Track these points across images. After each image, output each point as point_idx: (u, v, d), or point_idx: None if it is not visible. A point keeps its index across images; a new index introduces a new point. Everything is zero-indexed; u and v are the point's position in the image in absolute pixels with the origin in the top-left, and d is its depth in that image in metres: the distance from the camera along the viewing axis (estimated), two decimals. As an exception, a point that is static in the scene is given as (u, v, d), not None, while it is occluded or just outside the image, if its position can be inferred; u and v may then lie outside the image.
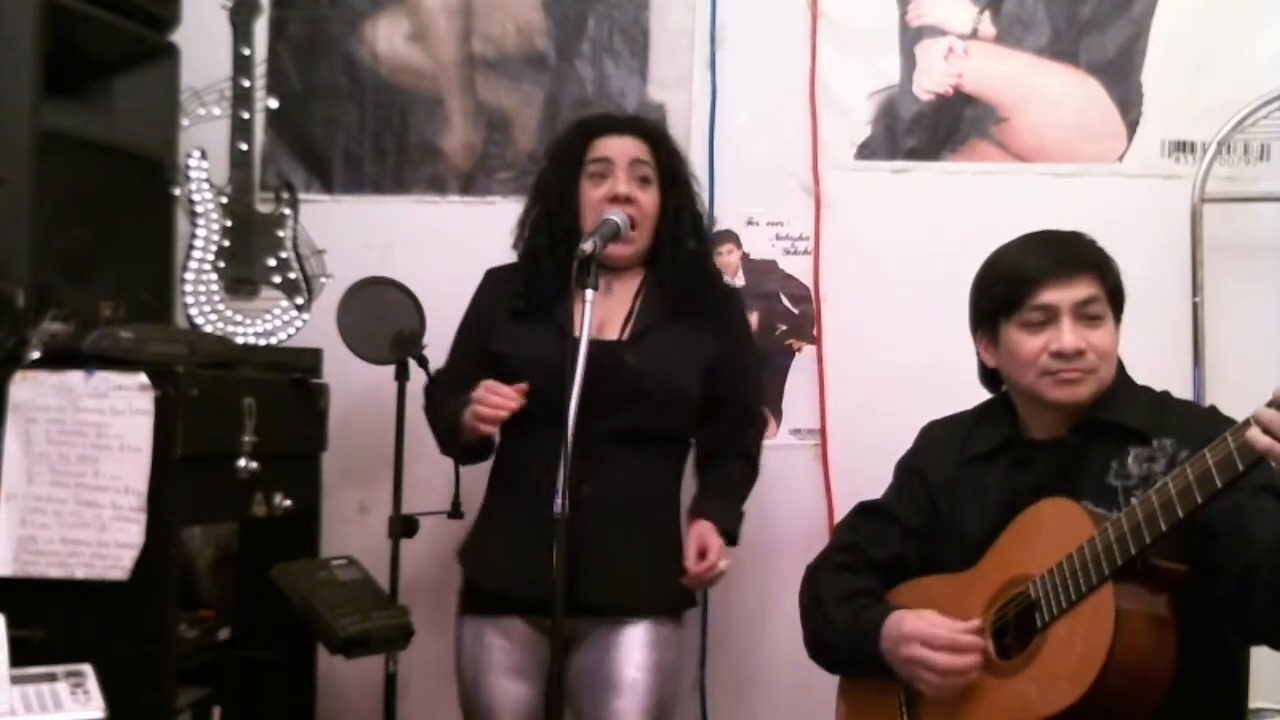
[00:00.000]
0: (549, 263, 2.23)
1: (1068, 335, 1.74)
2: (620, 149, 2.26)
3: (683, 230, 2.29)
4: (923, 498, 1.95)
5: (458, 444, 2.26)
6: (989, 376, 1.94)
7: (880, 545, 1.95)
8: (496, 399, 2.12)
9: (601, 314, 2.18)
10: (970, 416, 1.97)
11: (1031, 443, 1.85)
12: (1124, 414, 1.76)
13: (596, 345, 2.01)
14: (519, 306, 2.27)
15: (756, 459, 2.38)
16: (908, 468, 2.02)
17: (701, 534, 2.18)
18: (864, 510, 2.04)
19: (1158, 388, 1.86)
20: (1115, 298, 1.81)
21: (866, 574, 1.93)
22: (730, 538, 2.23)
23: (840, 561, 1.97)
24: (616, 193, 2.22)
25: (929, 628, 1.73)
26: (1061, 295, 1.76)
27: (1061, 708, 1.55)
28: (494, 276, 2.38)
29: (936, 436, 2.01)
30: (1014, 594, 1.70)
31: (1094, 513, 1.65)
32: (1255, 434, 1.42)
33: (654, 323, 2.23)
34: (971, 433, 1.93)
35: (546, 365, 2.08)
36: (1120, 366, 1.83)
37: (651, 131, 2.33)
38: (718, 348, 2.27)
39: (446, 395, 2.28)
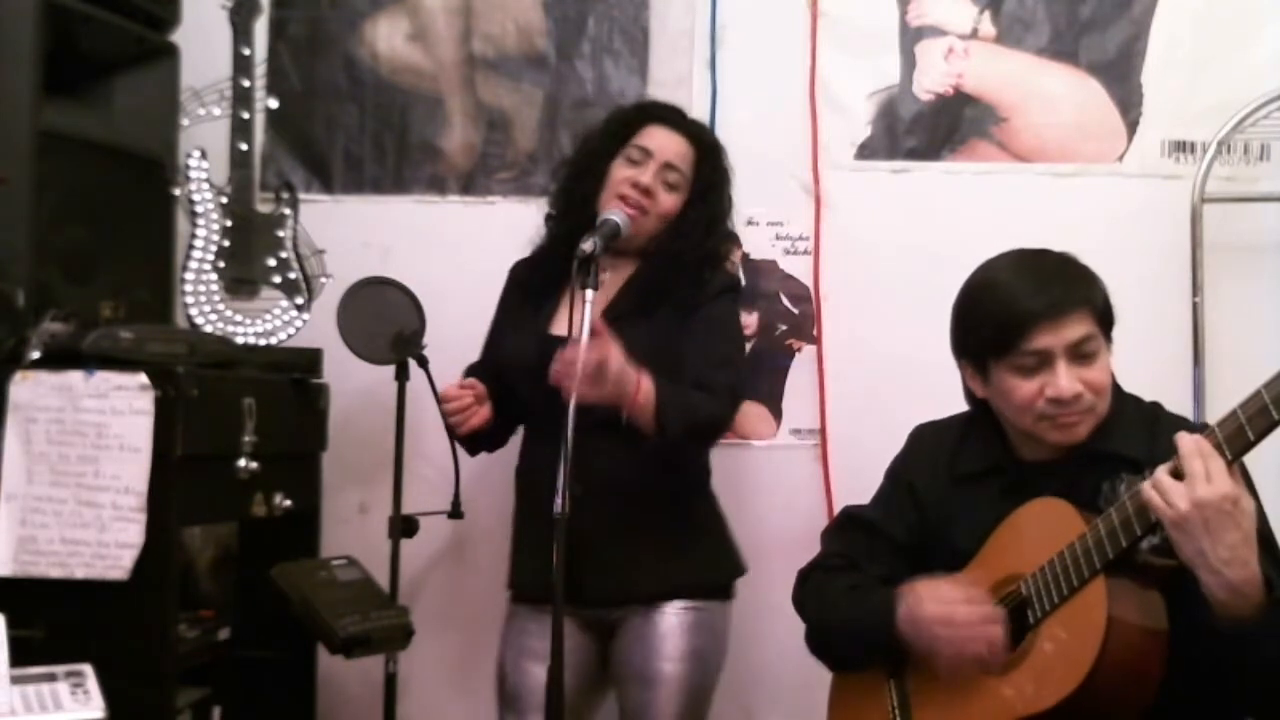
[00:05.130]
0: (562, 252, 2.14)
1: (1064, 380, 1.67)
2: (664, 143, 2.24)
3: (694, 231, 2.24)
4: (911, 512, 1.91)
5: (468, 440, 2.30)
6: (975, 397, 1.88)
7: (872, 562, 1.91)
8: (454, 404, 2.19)
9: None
10: (958, 428, 1.92)
11: (1023, 465, 1.80)
12: (1121, 445, 1.72)
13: (556, 341, 2.01)
14: (513, 305, 2.29)
15: (716, 406, 2.16)
16: (896, 477, 1.97)
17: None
18: (852, 522, 2.00)
19: (1158, 388, 1.84)
20: (1106, 324, 1.75)
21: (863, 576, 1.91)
22: (660, 410, 2.04)
23: (835, 565, 1.95)
24: (638, 180, 2.21)
25: (951, 610, 1.69)
26: (1055, 339, 1.68)
27: (1054, 703, 1.55)
28: (515, 271, 2.39)
29: (925, 445, 1.96)
30: (1006, 592, 1.70)
31: (1085, 511, 1.64)
32: (1148, 492, 1.49)
33: (626, 313, 2.19)
34: (960, 449, 1.88)
35: (520, 365, 2.15)
36: (1114, 385, 1.77)
37: (705, 141, 2.30)
38: (680, 330, 2.19)
39: None
